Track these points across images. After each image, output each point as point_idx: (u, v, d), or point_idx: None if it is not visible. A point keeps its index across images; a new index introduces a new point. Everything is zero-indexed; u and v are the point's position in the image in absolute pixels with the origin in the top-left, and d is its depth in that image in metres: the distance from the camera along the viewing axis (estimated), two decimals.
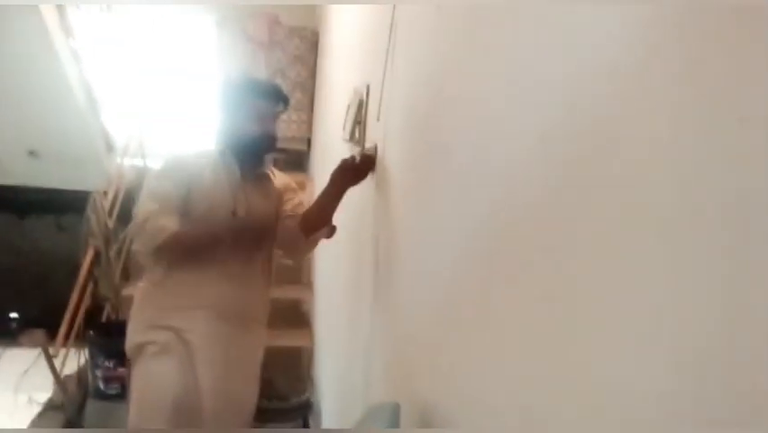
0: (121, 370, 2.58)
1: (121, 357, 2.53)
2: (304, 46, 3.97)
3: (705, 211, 0.30)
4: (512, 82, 0.63)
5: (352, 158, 1.51)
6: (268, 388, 1.84)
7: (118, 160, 3.68)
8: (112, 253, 3.16)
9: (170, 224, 1.52)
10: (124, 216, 3.37)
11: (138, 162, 3.80)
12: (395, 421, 0.85)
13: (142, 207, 1.55)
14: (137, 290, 1.76)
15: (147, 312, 1.66)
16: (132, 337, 1.66)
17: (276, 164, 1.86)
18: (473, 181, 0.74)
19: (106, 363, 2.66)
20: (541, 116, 0.56)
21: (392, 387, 1.15)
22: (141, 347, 1.63)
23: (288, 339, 2.90)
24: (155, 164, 3.60)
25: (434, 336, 0.88)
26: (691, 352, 0.29)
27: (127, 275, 3.25)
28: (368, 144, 1.58)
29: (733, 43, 0.32)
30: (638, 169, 0.40)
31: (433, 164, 0.96)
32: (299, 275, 3.29)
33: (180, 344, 1.61)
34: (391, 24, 1.32)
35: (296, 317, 3.12)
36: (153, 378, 1.60)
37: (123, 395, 2.54)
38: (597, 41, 0.46)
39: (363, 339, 1.57)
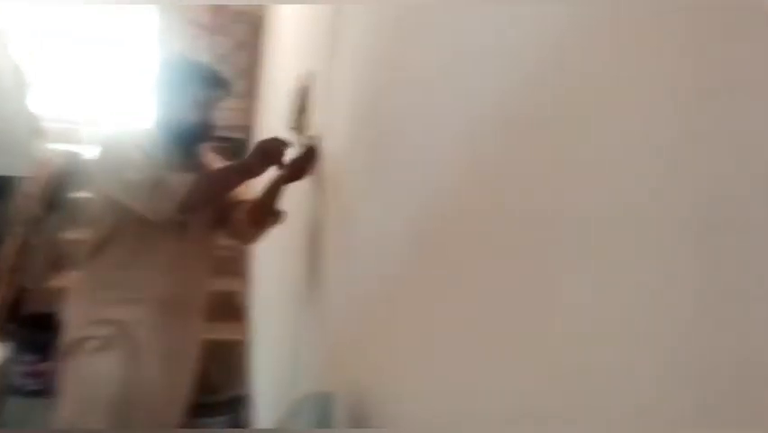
0: (44, 365, 2.45)
1: (44, 351, 2.40)
2: (248, 31, 3.88)
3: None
4: (452, 74, 0.63)
5: (283, 148, 1.47)
6: (201, 381, 1.80)
7: (47, 145, 3.49)
8: (39, 242, 3.00)
9: (182, 179, 1.43)
10: (53, 203, 3.20)
11: (68, 148, 3.62)
12: (328, 410, 0.84)
13: (135, 178, 1.42)
14: (73, 282, 1.68)
15: (86, 306, 1.59)
16: (70, 332, 1.58)
17: (214, 152, 1.80)
18: (413, 173, 0.74)
19: (29, 358, 2.52)
20: (477, 109, 0.56)
21: (326, 377, 1.14)
22: (79, 343, 1.56)
23: (222, 332, 2.83)
24: (86, 150, 3.44)
25: (368, 326, 0.88)
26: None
27: (55, 265, 3.09)
28: (312, 132, 1.56)
29: (675, 34, 0.32)
30: (577, 161, 0.41)
31: (375, 154, 0.95)
32: (234, 266, 3.22)
33: (125, 338, 1.55)
34: (336, 12, 1.30)
35: (230, 309, 3.05)
36: (93, 374, 1.54)
37: (46, 392, 2.41)
38: (533, 39, 0.47)
39: (298, 331, 1.55)
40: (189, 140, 1.61)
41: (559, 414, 0.38)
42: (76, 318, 1.59)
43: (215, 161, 1.74)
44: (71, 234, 3.08)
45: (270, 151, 1.46)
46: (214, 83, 1.60)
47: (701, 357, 0.26)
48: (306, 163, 1.46)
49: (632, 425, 0.30)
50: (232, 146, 3.70)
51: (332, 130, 1.33)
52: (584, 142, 0.39)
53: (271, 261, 2.35)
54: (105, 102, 4.12)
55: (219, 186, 1.53)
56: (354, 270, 1.02)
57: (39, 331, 2.40)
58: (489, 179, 0.53)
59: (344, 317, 1.06)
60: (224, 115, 3.70)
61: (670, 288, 0.29)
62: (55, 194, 3.18)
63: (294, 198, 1.59)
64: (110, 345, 1.55)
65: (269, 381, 2.08)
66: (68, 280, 1.89)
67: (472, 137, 0.57)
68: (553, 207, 0.42)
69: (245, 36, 3.89)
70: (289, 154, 1.49)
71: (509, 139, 0.50)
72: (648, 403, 0.29)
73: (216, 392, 2.40)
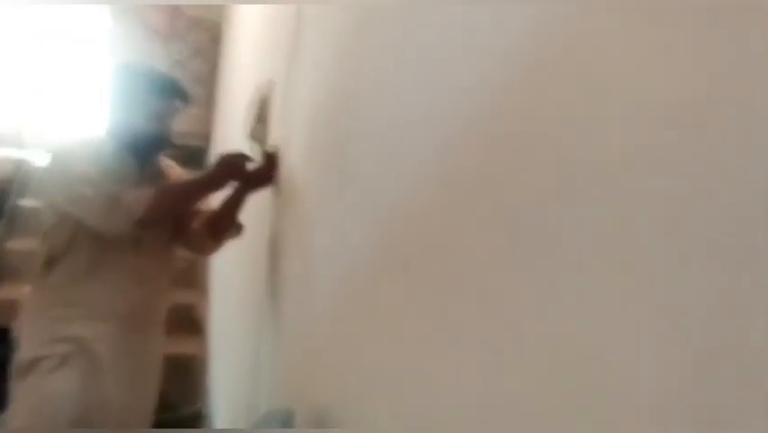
0: None
1: None
2: (206, 38, 3.82)
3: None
4: (413, 82, 0.62)
5: (244, 158, 1.44)
6: (159, 398, 1.74)
7: None
8: None
9: (139, 194, 1.37)
10: None
11: (15, 154, 3.48)
12: (289, 427, 0.81)
13: (89, 194, 1.35)
14: (26, 298, 1.59)
15: (44, 323, 1.50)
16: (26, 351, 1.50)
17: (172, 160, 1.75)
18: (372, 182, 0.73)
19: None
20: (441, 115, 0.55)
21: (286, 392, 1.11)
22: (34, 363, 1.48)
23: (179, 346, 2.76)
24: (35, 157, 3.31)
25: (328, 339, 0.86)
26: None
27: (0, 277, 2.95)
28: (271, 142, 1.53)
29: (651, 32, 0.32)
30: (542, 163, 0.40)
31: (334, 163, 0.94)
32: (193, 278, 3.14)
33: (84, 355, 1.48)
34: (296, 19, 1.29)
35: (188, 322, 2.97)
36: (50, 394, 1.47)
37: None
38: (498, 41, 0.46)
39: (258, 345, 1.51)
40: (146, 151, 1.55)
41: (532, 428, 0.37)
42: (31, 336, 1.51)
43: (174, 170, 1.69)
44: (16, 245, 2.95)
45: (232, 165, 1.43)
46: (172, 93, 1.56)
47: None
48: (265, 174, 1.44)
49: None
50: (190, 155, 3.62)
51: (291, 139, 1.31)
52: (550, 142, 0.39)
53: (229, 272, 2.30)
54: (52, 105, 3.98)
55: (179, 200, 1.48)
56: (313, 281, 1.00)
57: None
58: (452, 187, 0.52)
59: (304, 331, 1.04)
60: (182, 123, 3.63)
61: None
62: (0, 201, 3.04)
63: (253, 208, 1.56)
64: (68, 363, 1.48)
65: (228, 396, 2.03)
66: (16, 293, 1.80)
67: (434, 145, 0.56)
68: (525, 211, 0.41)
69: (202, 43, 3.83)
70: (250, 167, 1.46)
71: (473, 147, 0.49)
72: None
73: (174, 409, 2.32)
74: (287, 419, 0.82)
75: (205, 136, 3.89)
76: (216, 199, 1.62)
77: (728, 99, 0.26)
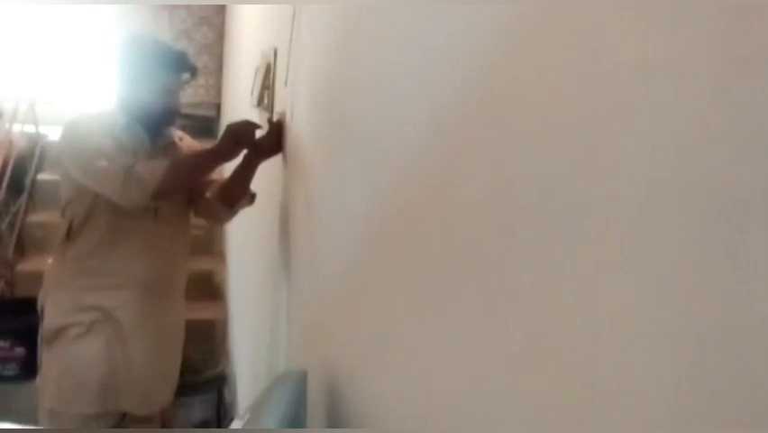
0: (18, 350, 2.43)
1: (17, 336, 2.38)
2: (210, 7, 3.79)
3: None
4: (411, 53, 0.63)
5: (251, 126, 1.46)
6: (182, 361, 1.81)
7: (7, 126, 3.40)
8: (4, 227, 2.94)
9: (154, 165, 1.41)
10: (16, 186, 3.13)
11: (29, 129, 3.53)
12: (302, 388, 0.85)
13: (105, 167, 1.40)
14: (50, 269, 1.66)
15: (68, 292, 1.58)
16: (52, 321, 1.58)
17: (183, 131, 1.78)
18: (375, 151, 0.74)
19: (2, 343, 2.49)
20: (439, 84, 0.56)
21: (302, 355, 1.16)
22: (61, 330, 1.56)
23: (201, 312, 2.83)
24: (49, 131, 3.36)
25: (341, 305, 0.89)
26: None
27: (22, 250, 3.04)
28: (277, 109, 1.54)
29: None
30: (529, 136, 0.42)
31: (337, 132, 0.95)
32: (211, 246, 3.20)
33: (108, 323, 1.55)
34: None
35: (208, 289, 3.05)
36: (78, 360, 1.55)
37: (21, 376, 2.40)
38: (493, 14, 0.47)
39: (274, 309, 1.56)
40: (156, 124, 1.58)
41: (531, 396, 0.39)
42: (57, 306, 1.58)
43: (185, 140, 1.71)
44: (38, 217, 3.02)
45: (241, 134, 1.45)
46: (180, 67, 1.57)
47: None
48: (273, 141, 1.45)
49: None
50: (200, 124, 3.65)
51: (296, 106, 1.32)
52: (540, 130, 0.40)
53: (246, 239, 2.34)
54: (65, 81, 4.01)
55: (192, 172, 1.52)
56: (321, 246, 1.03)
57: (12, 316, 2.38)
58: (452, 157, 0.53)
59: (315, 294, 1.08)
60: (191, 93, 3.64)
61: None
62: (18, 176, 3.11)
63: (266, 176, 1.59)
64: (94, 331, 1.55)
65: (249, 359, 2.10)
66: (40, 264, 1.87)
67: (435, 108, 0.57)
68: (527, 175, 0.43)
69: (207, 11, 3.80)
70: (258, 134, 1.48)
71: (473, 110, 0.50)
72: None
73: (197, 372, 2.41)
74: (300, 380, 0.86)
75: (215, 105, 3.90)
76: (228, 169, 1.65)
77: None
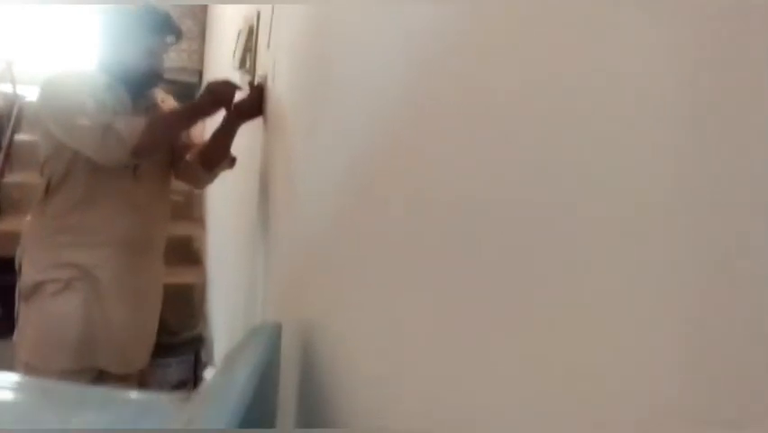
0: None
1: None
2: None
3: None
4: (393, 12, 0.64)
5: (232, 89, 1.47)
6: (159, 324, 1.83)
7: None
8: None
9: (133, 123, 1.41)
10: None
11: (6, 89, 3.46)
12: (276, 339, 0.88)
13: (84, 124, 1.40)
14: (28, 226, 1.66)
15: (46, 249, 1.58)
16: (29, 277, 1.58)
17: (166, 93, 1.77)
18: (354, 112, 0.76)
19: None
20: (418, 42, 0.57)
21: (277, 313, 1.19)
22: (39, 286, 1.56)
23: (179, 276, 2.85)
24: (27, 91, 3.30)
25: (317, 263, 0.92)
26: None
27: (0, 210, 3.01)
28: (258, 72, 1.55)
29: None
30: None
31: (318, 93, 0.97)
32: (191, 212, 3.20)
33: (86, 280, 1.56)
34: None
35: (187, 254, 3.05)
36: (54, 316, 1.56)
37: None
38: None
39: (252, 272, 1.59)
40: (138, 85, 1.58)
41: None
42: (34, 262, 1.59)
43: (167, 103, 1.71)
44: (15, 178, 2.99)
45: (220, 92, 1.46)
46: (165, 29, 1.56)
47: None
48: (254, 104, 1.46)
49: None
50: (182, 89, 3.61)
51: (277, 69, 1.33)
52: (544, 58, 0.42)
53: (225, 204, 2.35)
54: (43, 40, 3.92)
55: (170, 129, 1.52)
56: (299, 207, 1.05)
57: None
58: (434, 115, 0.53)
59: (291, 257, 1.10)
60: (174, 58, 3.59)
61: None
62: None
63: (246, 141, 1.60)
64: (71, 288, 1.56)
65: (226, 321, 2.13)
66: (17, 225, 1.86)
67: (413, 66, 0.58)
68: (508, 130, 0.45)
69: None
70: (238, 96, 1.48)
71: (453, 66, 0.50)
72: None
73: (175, 334, 2.44)
74: (274, 332, 0.90)
75: (197, 71, 3.86)
76: (209, 132, 1.65)
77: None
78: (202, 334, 2.61)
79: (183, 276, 2.88)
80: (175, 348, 2.40)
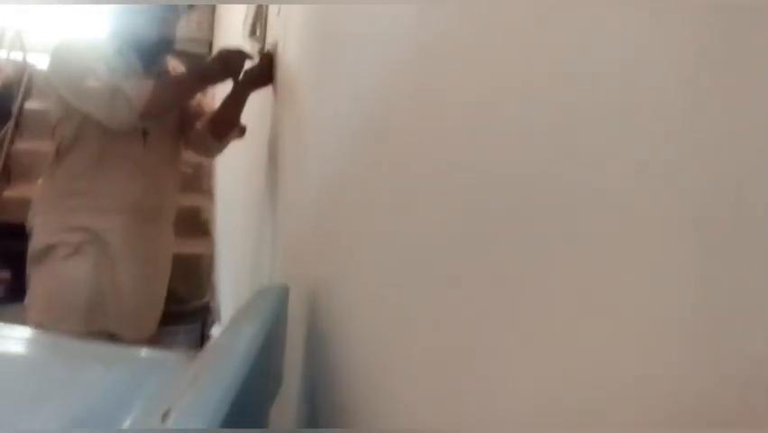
0: (4, 272, 2.46)
1: (4, 260, 2.41)
2: None
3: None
4: None
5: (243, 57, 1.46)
6: (168, 292, 1.85)
7: None
8: None
9: (142, 86, 1.42)
10: (2, 113, 3.10)
11: (17, 56, 3.46)
12: (283, 301, 0.89)
13: (94, 86, 1.40)
14: (38, 190, 1.68)
15: (56, 213, 1.59)
16: (40, 240, 1.59)
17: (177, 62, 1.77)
18: (363, 76, 0.75)
19: None
20: (422, 7, 0.57)
21: (284, 277, 1.20)
22: (49, 249, 1.58)
23: (187, 246, 2.86)
24: (37, 59, 3.30)
25: (324, 227, 0.92)
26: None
27: (8, 176, 3.03)
28: (269, 40, 1.54)
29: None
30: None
31: (328, 58, 0.97)
32: (200, 183, 3.21)
33: (96, 244, 1.58)
34: None
35: (196, 224, 3.07)
36: (65, 279, 1.57)
37: (8, 299, 2.44)
38: None
39: (260, 243, 1.59)
40: (150, 53, 1.57)
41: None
42: (45, 226, 1.60)
43: (178, 69, 1.71)
44: (25, 145, 3.01)
45: (230, 59, 1.45)
46: None
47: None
48: (264, 73, 1.46)
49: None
50: (192, 61, 3.59)
51: (288, 37, 1.32)
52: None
53: (235, 177, 2.36)
54: (54, 8, 3.90)
55: (179, 92, 1.52)
56: (307, 176, 1.05)
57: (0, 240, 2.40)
58: (443, 78, 0.53)
59: (299, 224, 1.11)
60: (184, 28, 3.57)
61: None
62: (4, 104, 3.07)
63: (256, 113, 1.60)
64: (81, 251, 1.57)
65: (233, 291, 2.14)
66: (27, 191, 1.88)
67: (425, 39, 0.58)
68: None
69: None
70: (249, 65, 1.48)
71: (458, 28, 0.51)
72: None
73: (184, 302, 2.47)
74: (281, 293, 0.90)
75: (207, 42, 3.84)
76: (218, 101, 1.65)
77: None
78: (210, 304, 2.64)
79: (191, 247, 2.90)
80: (183, 317, 2.43)
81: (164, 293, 1.81)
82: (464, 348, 0.44)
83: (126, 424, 0.71)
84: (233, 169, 2.31)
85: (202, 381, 0.66)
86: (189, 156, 1.81)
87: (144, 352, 1.05)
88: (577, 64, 0.34)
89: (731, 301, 0.23)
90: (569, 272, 0.33)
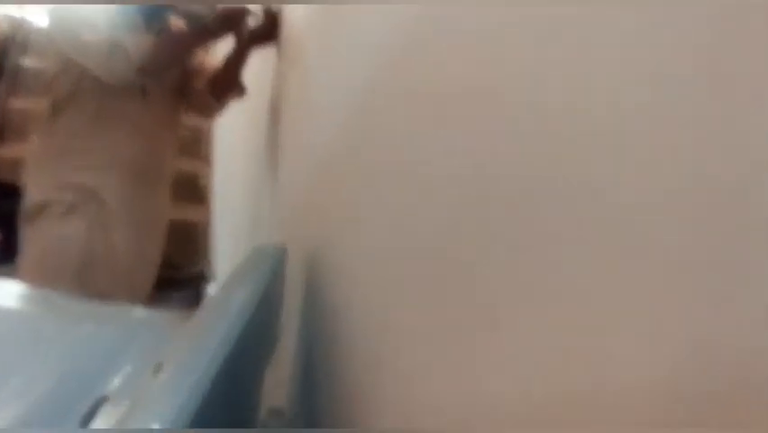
0: None
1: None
2: None
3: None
4: None
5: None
6: (162, 258, 1.82)
7: None
8: None
9: (141, 41, 1.39)
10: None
11: (14, 13, 3.39)
12: (280, 262, 0.87)
13: (92, 39, 1.38)
14: (32, 148, 1.64)
15: (50, 171, 1.56)
16: (33, 197, 1.56)
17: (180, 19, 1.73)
18: (370, 32, 0.72)
19: None
20: None
21: (283, 237, 1.17)
22: (42, 207, 1.54)
23: (184, 213, 2.83)
24: (34, 16, 3.23)
25: (325, 187, 0.89)
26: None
27: (1, 136, 2.98)
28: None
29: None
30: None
31: (336, 14, 0.93)
32: (198, 148, 3.17)
33: (91, 204, 1.54)
34: None
35: (193, 191, 3.04)
36: (58, 238, 1.54)
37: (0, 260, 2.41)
38: None
39: (257, 205, 1.57)
40: (151, 10, 1.53)
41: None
42: (39, 183, 1.57)
43: (180, 26, 1.67)
44: (19, 103, 2.95)
45: (231, 15, 1.41)
46: None
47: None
48: (268, 30, 1.42)
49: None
50: (195, 19, 3.52)
51: None
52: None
53: (234, 142, 2.32)
54: None
55: (178, 48, 1.49)
56: (308, 138, 1.02)
57: None
58: (449, 33, 0.50)
59: (299, 186, 1.08)
60: None
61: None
62: (1, 61, 3.01)
63: (257, 76, 1.56)
64: (76, 211, 1.54)
65: (230, 259, 2.13)
66: (21, 150, 1.84)
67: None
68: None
69: None
70: (251, 22, 1.44)
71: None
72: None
73: (178, 269, 2.44)
74: (278, 253, 0.88)
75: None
76: (218, 60, 1.61)
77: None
78: (205, 271, 2.61)
79: (188, 213, 2.86)
80: (177, 283, 2.40)
81: (159, 257, 1.79)
82: (462, 315, 0.42)
83: (117, 379, 0.70)
84: (233, 132, 2.27)
85: (194, 336, 0.64)
86: (188, 120, 1.78)
87: (137, 311, 1.03)
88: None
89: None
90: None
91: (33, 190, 1.57)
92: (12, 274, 1.70)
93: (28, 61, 3.10)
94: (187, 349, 0.59)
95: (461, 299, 0.43)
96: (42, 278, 1.57)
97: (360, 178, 0.72)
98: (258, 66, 1.51)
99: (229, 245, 2.20)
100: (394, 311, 0.56)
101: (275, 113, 1.43)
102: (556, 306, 0.33)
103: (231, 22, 1.41)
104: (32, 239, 1.59)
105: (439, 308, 0.47)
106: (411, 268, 0.53)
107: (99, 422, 0.56)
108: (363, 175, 0.71)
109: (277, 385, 1.00)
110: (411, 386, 0.50)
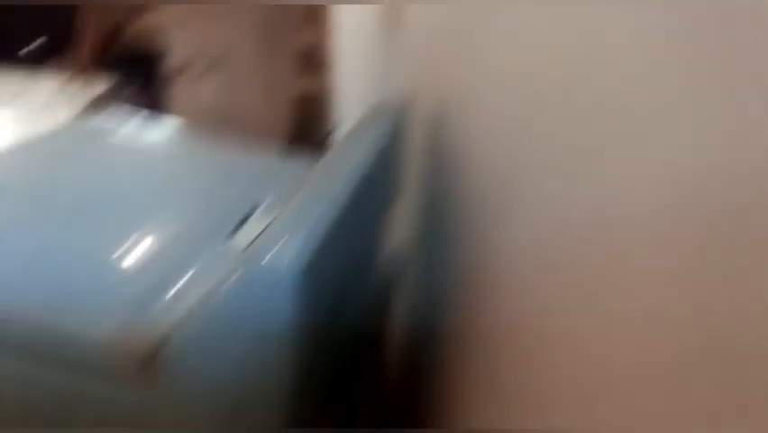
0: (144, 90, 2.64)
1: (145, 78, 2.57)
2: None
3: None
4: None
5: None
6: (290, 125, 1.91)
7: None
8: None
9: None
10: None
11: None
12: (401, 118, 0.84)
13: None
14: (174, 16, 1.74)
15: (189, 34, 1.68)
16: (175, 58, 1.72)
17: None
18: None
19: (131, 85, 2.70)
20: None
21: (410, 89, 1.13)
22: (184, 67, 1.70)
23: (307, 83, 2.88)
24: None
25: (450, 39, 0.84)
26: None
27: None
28: None
29: None
30: None
31: None
32: (317, 18, 3.14)
33: (225, 65, 1.66)
34: None
35: (314, 61, 3.06)
36: (197, 95, 1.69)
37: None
38: None
39: (384, 56, 1.54)
40: None
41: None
42: (180, 46, 1.69)
43: None
44: None
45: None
46: None
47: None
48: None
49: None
50: None
51: None
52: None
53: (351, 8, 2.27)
54: None
55: None
56: None
57: (138, 62, 2.54)
58: None
59: (426, 36, 1.03)
60: None
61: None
62: None
63: None
64: (214, 70, 1.66)
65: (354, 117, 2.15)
66: (159, 17, 1.95)
67: None
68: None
69: None
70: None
71: None
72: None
73: (304, 134, 2.53)
74: (399, 109, 0.85)
75: None
76: None
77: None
78: (330, 136, 2.69)
79: (310, 83, 2.90)
80: (305, 146, 2.50)
81: (287, 114, 1.88)
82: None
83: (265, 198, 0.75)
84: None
85: (313, 184, 0.64)
86: None
87: (270, 155, 1.09)
88: None
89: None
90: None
91: (175, 52, 1.69)
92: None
93: None
94: (306, 197, 0.60)
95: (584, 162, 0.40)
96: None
97: (497, 27, 0.67)
98: None
99: (355, 111, 2.22)
100: (516, 167, 0.54)
101: None
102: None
103: None
104: (176, 96, 1.73)
105: (559, 174, 0.45)
106: (538, 133, 0.50)
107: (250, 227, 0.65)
108: (502, 24, 0.65)
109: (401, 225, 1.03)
110: (523, 237, 0.49)
